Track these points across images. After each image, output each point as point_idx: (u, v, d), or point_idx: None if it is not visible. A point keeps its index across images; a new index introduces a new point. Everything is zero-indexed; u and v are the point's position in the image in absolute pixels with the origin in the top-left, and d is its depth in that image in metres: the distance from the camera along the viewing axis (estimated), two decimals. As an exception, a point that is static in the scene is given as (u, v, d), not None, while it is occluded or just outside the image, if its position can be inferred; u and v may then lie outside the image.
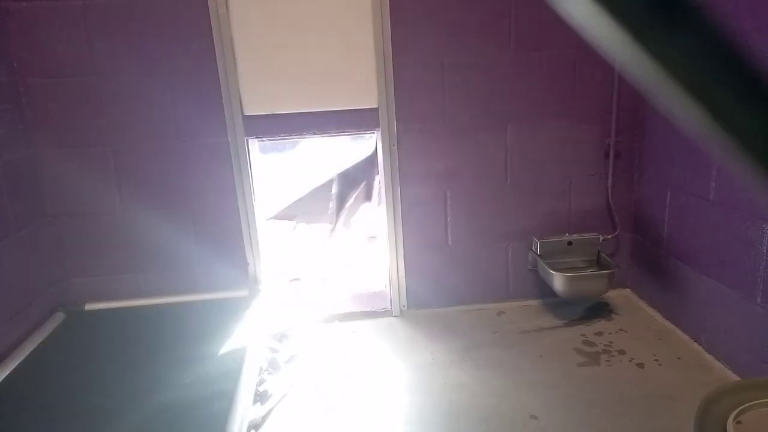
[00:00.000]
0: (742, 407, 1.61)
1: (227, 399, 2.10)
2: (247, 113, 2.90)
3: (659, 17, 0.30)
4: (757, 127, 0.31)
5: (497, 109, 2.99)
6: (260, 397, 2.34)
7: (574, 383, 2.45)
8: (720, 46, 0.30)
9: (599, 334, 2.88)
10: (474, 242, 3.18)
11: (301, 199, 4.06)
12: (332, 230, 3.90)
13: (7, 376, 2.40)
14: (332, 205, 3.88)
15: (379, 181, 3.10)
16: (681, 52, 0.30)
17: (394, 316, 3.20)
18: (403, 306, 3.23)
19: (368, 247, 3.70)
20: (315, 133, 2.98)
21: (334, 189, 3.88)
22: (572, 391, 2.39)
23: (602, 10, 0.30)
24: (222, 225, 3.03)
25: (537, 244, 3.11)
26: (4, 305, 2.61)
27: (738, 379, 2.39)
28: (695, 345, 2.68)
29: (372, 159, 3.53)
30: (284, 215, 4.02)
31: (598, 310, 3.11)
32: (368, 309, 3.25)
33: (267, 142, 3.16)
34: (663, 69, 0.30)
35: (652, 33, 0.30)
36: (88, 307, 3.02)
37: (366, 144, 3.63)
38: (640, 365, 2.57)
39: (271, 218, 3.79)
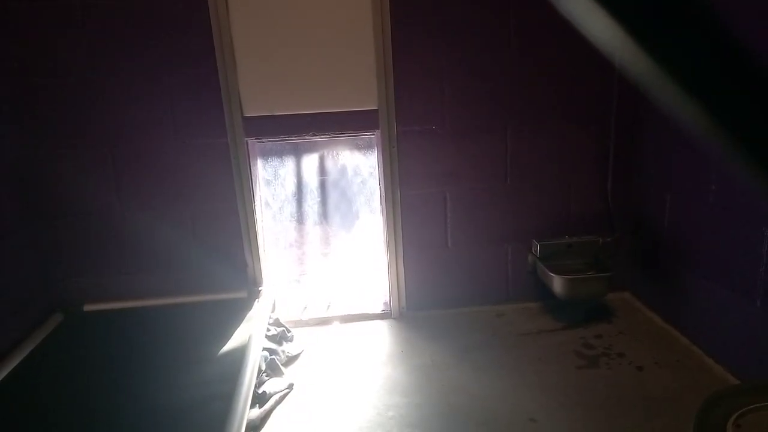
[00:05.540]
0: (741, 411, 1.61)
1: (226, 401, 2.09)
2: (246, 114, 2.90)
3: (659, 18, 0.30)
4: (757, 128, 0.31)
5: (497, 111, 2.99)
6: (259, 399, 2.34)
7: (573, 386, 2.45)
8: (720, 47, 0.30)
9: (599, 336, 2.87)
10: (473, 244, 3.17)
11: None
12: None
13: (5, 377, 2.39)
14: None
15: (380, 183, 3.09)
16: (681, 54, 0.30)
17: (393, 318, 3.20)
18: (403, 308, 3.22)
19: (367, 249, 3.69)
20: (315, 134, 2.98)
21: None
22: (571, 394, 2.39)
23: (602, 11, 0.30)
24: (221, 226, 3.03)
25: (536, 247, 3.10)
26: (3, 305, 2.60)
27: (737, 382, 2.39)
28: (695, 348, 2.67)
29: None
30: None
31: (598, 312, 3.11)
32: (367, 311, 3.25)
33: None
34: (663, 70, 0.31)
35: (652, 34, 0.30)
36: (87, 307, 3.01)
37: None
38: (640, 368, 2.56)
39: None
